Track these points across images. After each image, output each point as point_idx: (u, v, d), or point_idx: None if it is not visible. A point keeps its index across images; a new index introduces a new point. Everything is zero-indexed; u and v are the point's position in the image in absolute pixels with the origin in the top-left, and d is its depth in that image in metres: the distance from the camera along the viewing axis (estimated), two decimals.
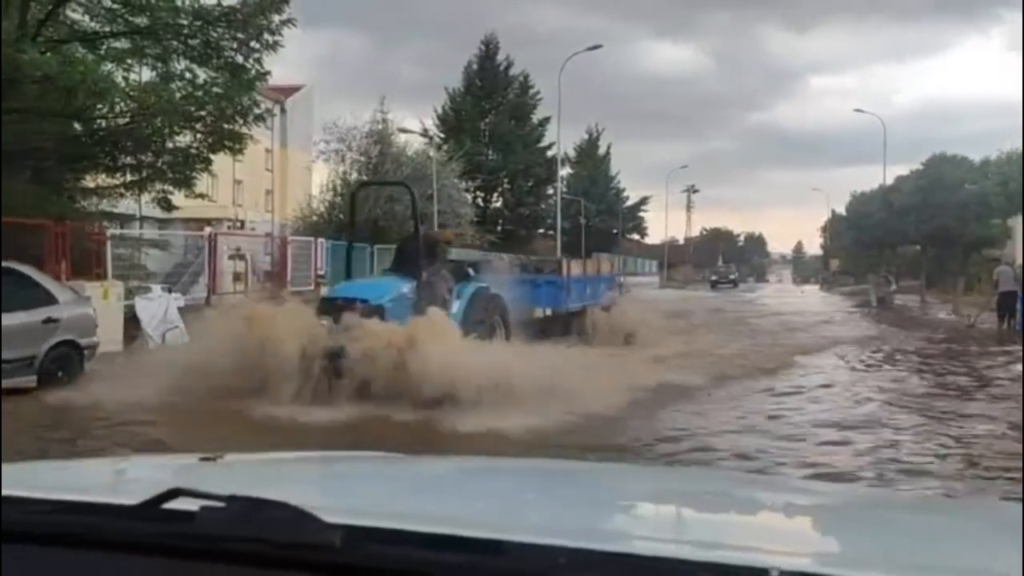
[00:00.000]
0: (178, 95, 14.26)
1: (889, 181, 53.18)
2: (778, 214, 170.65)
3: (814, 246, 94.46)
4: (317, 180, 36.09)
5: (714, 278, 64.85)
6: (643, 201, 64.93)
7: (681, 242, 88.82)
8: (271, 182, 47.39)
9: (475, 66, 45.33)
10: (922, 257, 49.30)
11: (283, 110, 46.45)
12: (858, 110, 77.53)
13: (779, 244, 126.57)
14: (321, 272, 22.55)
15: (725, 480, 2.69)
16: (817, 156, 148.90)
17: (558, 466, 2.59)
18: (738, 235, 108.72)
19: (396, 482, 1.80)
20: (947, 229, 47.30)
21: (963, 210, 46.52)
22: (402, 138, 32.88)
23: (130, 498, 1.06)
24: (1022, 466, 6.10)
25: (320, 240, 23.58)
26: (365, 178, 30.66)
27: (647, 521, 1.56)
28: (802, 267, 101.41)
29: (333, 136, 32.31)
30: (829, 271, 66.38)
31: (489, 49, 45.48)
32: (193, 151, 15.72)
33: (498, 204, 45.40)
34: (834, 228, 70.93)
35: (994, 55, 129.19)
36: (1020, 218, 34.19)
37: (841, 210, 68.80)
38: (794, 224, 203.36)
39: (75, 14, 14.55)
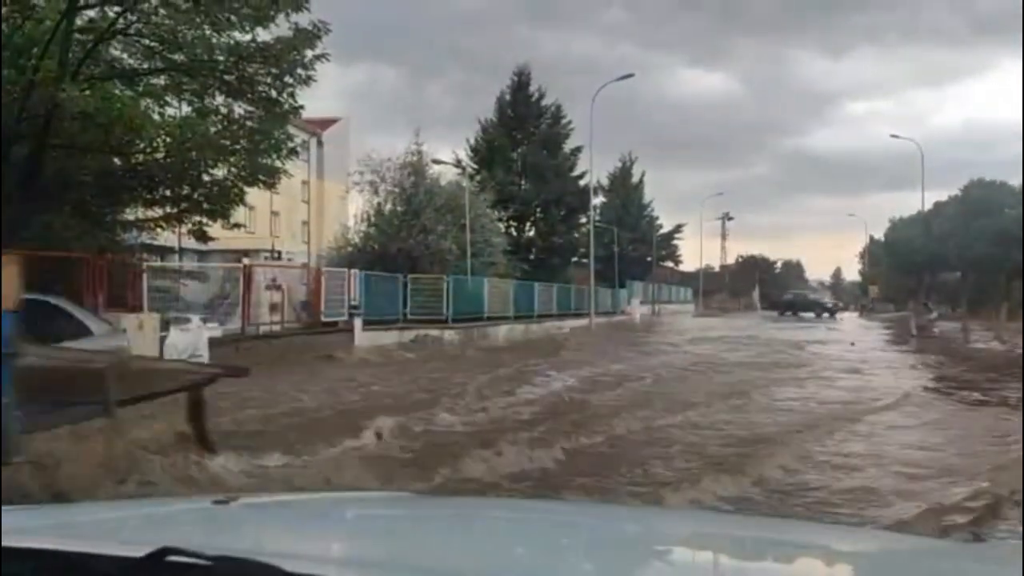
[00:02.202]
0: (213, 130, 14.51)
1: (927, 207, 52.53)
2: (815, 240, 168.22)
3: (852, 272, 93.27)
4: (352, 211, 36.44)
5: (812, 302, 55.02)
6: (677, 229, 64.70)
7: (717, 269, 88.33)
8: (307, 213, 47.98)
9: (507, 96, 45.58)
10: (962, 284, 48.47)
11: (320, 143, 47.18)
12: (895, 136, 76.45)
13: (816, 270, 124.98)
14: (355, 303, 22.71)
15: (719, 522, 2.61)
16: (854, 182, 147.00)
17: (569, 509, 2.54)
18: (775, 262, 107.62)
19: (400, 525, 1.78)
20: (988, 255, 46.51)
21: (1004, 236, 45.72)
22: (435, 168, 33.14)
23: (135, 548, 1.05)
24: (1022, 500, 5.85)
25: (354, 271, 23.76)
26: (400, 208, 30.94)
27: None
28: (840, 293, 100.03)
29: (368, 167, 32.63)
30: (868, 297, 65.48)
31: (521, 79, 45.71)
32: (228, 184, 15.96)
33: (531, 233, 45.40)
34: (872, 254, 70.12)
35: None
36: None
37: (879, 236, 68.07)
38: (831, 250, 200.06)
39: (115, 51, 14.88)
